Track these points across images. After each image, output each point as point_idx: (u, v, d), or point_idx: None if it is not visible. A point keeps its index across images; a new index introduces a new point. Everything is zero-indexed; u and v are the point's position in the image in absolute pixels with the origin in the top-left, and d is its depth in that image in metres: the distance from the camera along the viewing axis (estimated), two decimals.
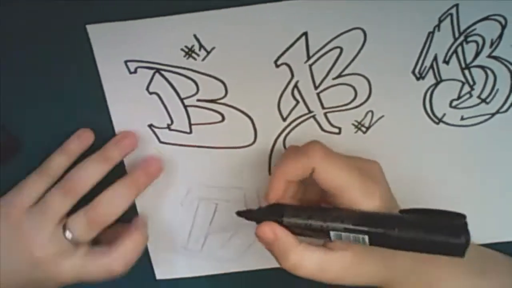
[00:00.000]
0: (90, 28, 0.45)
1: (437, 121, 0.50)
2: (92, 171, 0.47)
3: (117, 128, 0.49)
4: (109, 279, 0.48)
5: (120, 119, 0.49)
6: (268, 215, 0.44)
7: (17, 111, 0.49)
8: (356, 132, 0.50)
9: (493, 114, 0.50)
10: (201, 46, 0.46)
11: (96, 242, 0.48)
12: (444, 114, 0.49)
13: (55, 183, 0.47)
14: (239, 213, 0.47)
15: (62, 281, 0.47)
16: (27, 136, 0.50)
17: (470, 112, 0.50)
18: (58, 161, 0.48)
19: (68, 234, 0.46)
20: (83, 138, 0.48)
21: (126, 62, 0.47)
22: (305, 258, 0.43)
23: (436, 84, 0.48)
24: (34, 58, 0.47)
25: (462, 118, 0.50)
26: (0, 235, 0.46)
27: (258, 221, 0.45)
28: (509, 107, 0.49)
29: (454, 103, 0.49)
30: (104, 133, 0.49)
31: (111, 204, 0.47)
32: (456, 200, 0.52)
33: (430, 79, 0.48)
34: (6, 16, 0.45)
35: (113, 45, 0.46)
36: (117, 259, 0.47)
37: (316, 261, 0.43)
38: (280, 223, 0.44)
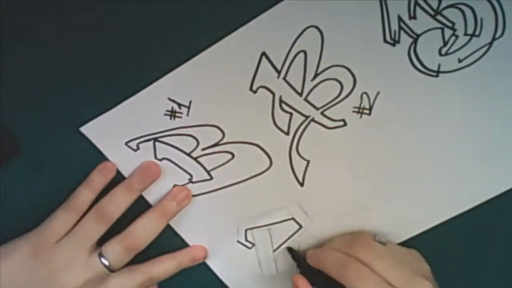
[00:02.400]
0: (84, 129, 0.49)
1: (435, 73, 0.47)
2: (122, 200, 0.50)
3: (147, 196, 0.53)
4: None
5: (147, 190, 0.53)
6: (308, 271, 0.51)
7: (17, 112, 0.49)
8: (360, 117, 0.49)
9: (490, 44, 0.46)
10: (179, 104, 0.48)
11: None
12: (440, 64, 0.47)
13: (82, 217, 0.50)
14: (290, 250, 0.54)
15: None
16: (27, 136, 0.50)
17: (465, 52, 0.46)
18: (84, 196, 0.49)
19: (104, 261, 0.49)
20: (105, 172, 0.50)
21: (126, 143, 0.50)
22: None
23: (415, 41, 0.46)
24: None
25: (460, 60, 0.47)
26: (30, 275, 0.48)
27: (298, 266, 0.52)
28: (503, 30, 0.45)
29: (444, 50, 0.46)
30: None
31: (145, 231, 0.50)
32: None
33: (406, 40, 0.46)
34: None
35: (109, 134, 0.50)
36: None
37: None
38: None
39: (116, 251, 0.49)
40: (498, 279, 0.56)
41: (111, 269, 0.49)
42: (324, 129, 0.50)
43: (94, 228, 0.49)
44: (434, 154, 0.50)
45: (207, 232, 0.54)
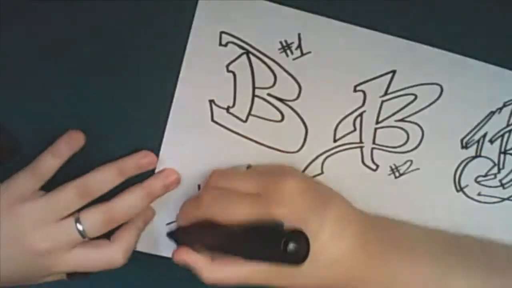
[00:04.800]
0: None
1: (458, 189, 0.54)
2: (109, 180, 0.49)
3: (179, 90, 0.48)
4: (109, 269, 0.50)
5: (186, 87, 0.48)
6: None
7: (17, 112, 0.49)
8: (389, 174, 0.53)
9: (503, 199, 0.55)
10: (299, 46, 0.46)
11: None
12: (467, 185, 0.54)
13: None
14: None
15: (60, 269, 0.49)
16: (27, 137, 0.49)
17: (488, 191, 0.54)
18: (49, 164, 0.47)
19: (79, 226, 0.47)
20: (72, 142, 0.48)
21: (221, 32, 0.46)
22: (218, 274, 0.47)
23: (474, 157, 0.52)
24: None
25: (479, 194, 0.54)
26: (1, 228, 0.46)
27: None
28: None
29: (479, 179, 0.53)
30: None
31: (128, 207, 0.49)
32: None
33: (471, 151, 0.52)
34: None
35: (217, 16, 0.45)
36: (118, 251, 0.49)
37: (231, 274, 0.47)
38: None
39: (94, 220, 0.48)
40: None
41: (84, 235, 0.48)
42: (359, 161, 0.52)
43: (74, 201, 0.48)
44: None
45: (188, 161, 0.52)
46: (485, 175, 0.53)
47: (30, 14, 0.45)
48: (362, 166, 0.52)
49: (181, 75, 0.47)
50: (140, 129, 0.50)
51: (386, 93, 0.49)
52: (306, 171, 0.52)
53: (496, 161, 0.52)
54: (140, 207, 0.50)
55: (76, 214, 0.48)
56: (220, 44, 0.46)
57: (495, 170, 0.53)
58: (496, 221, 0.55)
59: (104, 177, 0.48)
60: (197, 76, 0.47)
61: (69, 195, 0.47)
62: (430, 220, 0.54)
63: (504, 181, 0.54)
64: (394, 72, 0.48)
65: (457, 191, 0.54)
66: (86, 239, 0.48)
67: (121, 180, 0.49)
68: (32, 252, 0.46)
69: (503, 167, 0.53)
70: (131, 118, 0.50)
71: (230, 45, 0.46)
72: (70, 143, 0.47)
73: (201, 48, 0.46)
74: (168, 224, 0.55)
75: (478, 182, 0.53)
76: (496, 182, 0.54)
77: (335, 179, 0.52)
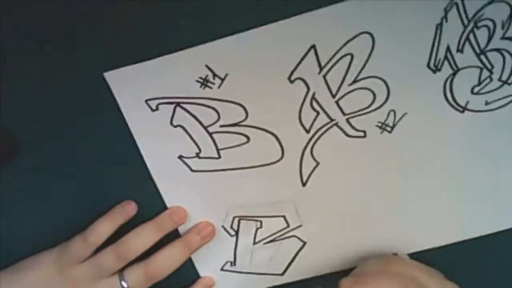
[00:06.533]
0: (108, 75, 0.47)
1: (461, 109, 0.49)
2: (146, 239, 0.52)
3: (148, 160, 0.51)
4: None
5: (150, 153, 0.51)
6: None
7: (17, 112, 0.49)
8: (381, 133, 0.50)
9: None
10: (214, 74, 0.47)
11: None
12: (468, 102, 0.49)
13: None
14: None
15: None
16: (27, 136, 0.50)
17: (494, 96, 0.49)
18: (103, 231, 0.51)
19: (124, 284, 0.51)
20: (127, 210, 0.52)
21: (146, 101, 0.48)
22: None
23: (454, 73, 0.48)
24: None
25: (487, 103, 0.49)
26: (58, 285, 0.51)
27: None
28: None
29: (476, 89, 0.49)
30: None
31: (168, 261, 0.53)
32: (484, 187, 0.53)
33: (447, 70, 0.48)
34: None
35: (132, 87, 0.48)
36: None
37: None
38: None
39: (137, 277, 0.52)
40: None
41: None
42: (344, 135, 0.50)
43: (112, 262, 0.51)
44: (445, 182, 0.52)
45: (195, 210, 0.54)
46: (480, 83, 0.48)
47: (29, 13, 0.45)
48: (349, 139, 0.51)
49: (139, 146, 0.51)
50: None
51: (321, 68, 0.47)
52: (303, 170, 0.52)
53: (481, 65, 0.47)
54: (180, 261, 0.53)
55: (120, 273, 0.52)
56: (153, 110, 0.49)
57: (486, 73, 0.48)
58: None
59: (141, 237, 0.52)
60: (152, 142, 0.50)
61: (111, 257, 0.51)
62: (445, 154, 0.51)
63: (504, 78, 0.48)
64: (313, 46, 0.46)
65: (461, 111, 0.49)
66: None
67: (158, 238, 0.52)
68: None
69: (493, 66, 0.47)
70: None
71: (160, 106, 0.49)
72: (123, 213, 0.52)
73: (139, 119, 0.49)
74: None
75: (477, 93, 0.49)
76: (496, 83, 0.48)
77: (333, 163, 0.52)
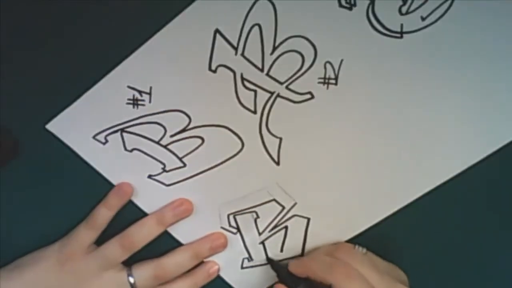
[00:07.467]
0: (50, 126, 0.49)
1: (398, 35, 0.45)
2: (150, 230, 0.52)
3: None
4: None
5: (120, 181, 0.52)
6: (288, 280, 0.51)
7: (17, 112, 0.50)
8: (327, 88, 0.47)
9: None
10: (140, 92, 0.47)
11: None
12: (402, 25, 0.45)
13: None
14: (269, 261, 0.55)
15: None
16: (27, 136, 0.51)
17: (427, 9, 0.44)
18: (102, 215, 0.52)
19: (131, 279, 0.52)
20: (121, 193, 0.52)
21: (94, 137, 0.50)
22: None
23: (372, 2, 0.44)
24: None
25: (423, 18, 0.45)
26: (56, 283, 0.51)
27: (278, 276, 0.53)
28: None
29: (404, 8, 0.44)
30: None
31: (177, 266, 0.53)
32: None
33: (363, 2, 0.44)
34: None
35: (75, 129, 0.49)
36: None
37: None
38: None
39: (145, 275, 0.52)
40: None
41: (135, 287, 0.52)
42: (291, 103, 0.48)
43: (118, 253, 0.51)
44: (406, 117, 0.48)
45: (190, 222, 0.53)
46: (404, 1, 0.44)
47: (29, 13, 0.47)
48: (299, 105, 0.48)
49: (109, 180, 0.52)
50: None
51: (235, 48, 0.46)
52: (269, 150, 0.50)
53: None
54: (188, 266, 0.53)
55: (128, 268, 0.52)
56: (103, 143, 0.50)
57: None
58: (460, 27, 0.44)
59: (146, 228, 0.52)
60: (117, 171, 0.51)
61: (115, 247, 0.51)
62: (400, 88, 0.47)
63: None
64: (217, 30, 0.45)
65: (399, 37, 0.45)
66: None
67: (162, 230, 0.52)
68: None
69: None
70: None
71: (108, 137, 0.50)
72: (119, 195, 0.52)
73: (97, 155, 0.51)
74: None
75: (407, 13, 0.45)
76: None
77: (295, 133, 0.50)
